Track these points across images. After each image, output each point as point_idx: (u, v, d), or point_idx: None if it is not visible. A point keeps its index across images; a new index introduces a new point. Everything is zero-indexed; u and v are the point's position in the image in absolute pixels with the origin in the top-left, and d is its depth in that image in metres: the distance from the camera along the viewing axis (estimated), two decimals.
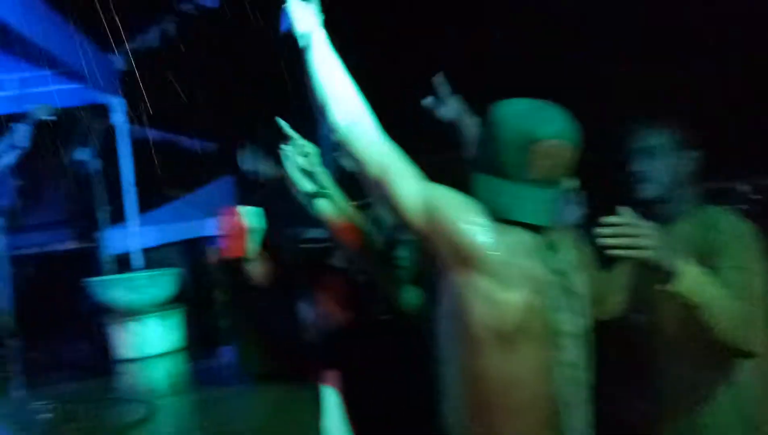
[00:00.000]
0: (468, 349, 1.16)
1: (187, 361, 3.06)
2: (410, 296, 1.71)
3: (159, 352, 3.00)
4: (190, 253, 5.39)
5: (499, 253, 1.15)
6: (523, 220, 1.18)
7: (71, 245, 5.51)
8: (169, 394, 2.46)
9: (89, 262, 4.84)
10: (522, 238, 1.18)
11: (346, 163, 2.09)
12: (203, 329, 3.74)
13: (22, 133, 3.77)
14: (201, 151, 6.39)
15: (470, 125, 1.94)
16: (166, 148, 5.49)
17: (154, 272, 3.20)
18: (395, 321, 1.80)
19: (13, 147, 3.83)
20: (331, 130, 1.28)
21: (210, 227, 5.31)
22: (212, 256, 5.52)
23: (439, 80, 1.99)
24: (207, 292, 4.95)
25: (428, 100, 2.02)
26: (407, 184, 1.20)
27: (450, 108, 1.99)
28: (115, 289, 3.13)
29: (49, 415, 2.15)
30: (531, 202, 1.20)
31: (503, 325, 1.14)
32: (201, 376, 2.85)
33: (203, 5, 4.47)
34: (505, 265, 1.15)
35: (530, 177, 1.19)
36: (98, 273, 4.50)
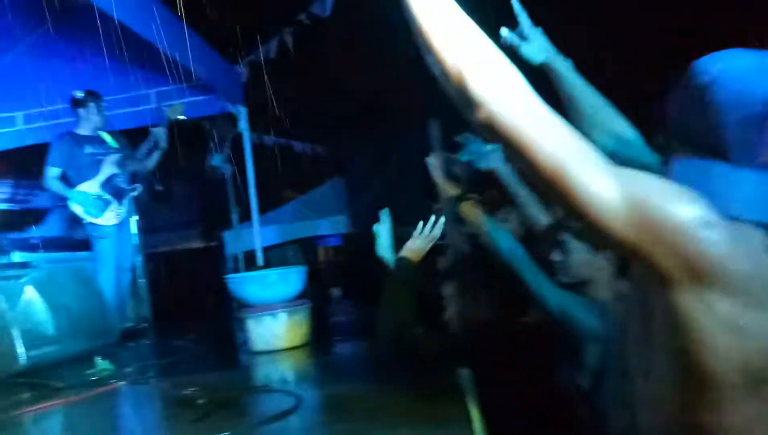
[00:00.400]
0: (700, 397, 0.87)
1: (314, 355, 3.21)
2: (554, 298, 1.73)
3: (289, 345, 3.17)
4: (304, 251, 5.67)
5: (744, 264, 0.84)
6: (758, 219, 0.87)
7: (198, 244, 5.97)
8: (307, 386, 2.60)
9: (215, 259, 5.22)
10: (759, 241, 0.87)
11: (490, 161, 2.05)
12: (320, 325, 3.92)
13: (160, 135, 4.15)
14: (314, 154, 6.68)
15: (565, 72, 1.53)
16: (283, 152, 5.80)
17: (284, 270, 3.39)
18: (539, 324, 1.83)
19: (153, 149, 4.22)
20: (471, 108, 0.89)
21: (323, 227, 5.58)
22: (324, 253, 5.78)
23: (517, 7, 1.58)
24: (323, 289, 5.18)
25: (506, 33, 1.58)
26: (596, 177, 0.85)
27: (535, 46, 1.54)
28: (249, 286, 3.35)
29: (203, 401, 2.29)
30: (765, 193, 0.88)
31: (756, 363, 0.84)
32: (329, 370, 2.97)
33: (318, 16, 4.67)
34: (753, 278, 0.84)
35: (764, 159, 0.88)
36: (223, 270, 4.84)
